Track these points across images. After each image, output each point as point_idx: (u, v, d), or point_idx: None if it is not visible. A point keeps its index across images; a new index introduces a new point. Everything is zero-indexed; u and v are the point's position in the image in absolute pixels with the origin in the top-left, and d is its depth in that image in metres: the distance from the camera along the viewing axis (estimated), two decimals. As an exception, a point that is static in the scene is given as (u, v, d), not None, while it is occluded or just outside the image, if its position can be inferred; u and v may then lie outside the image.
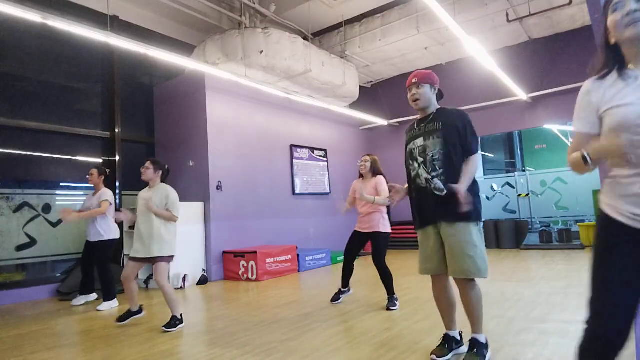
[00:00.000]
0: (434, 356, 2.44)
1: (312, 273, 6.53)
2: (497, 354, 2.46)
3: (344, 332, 3.17)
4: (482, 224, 2.37)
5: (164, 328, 3.43)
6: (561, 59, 7.52)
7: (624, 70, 1.30)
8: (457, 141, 2.37)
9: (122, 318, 3.74)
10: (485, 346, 2.36)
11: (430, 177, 2.37)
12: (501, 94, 7.94)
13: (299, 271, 6.69)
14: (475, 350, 2.33)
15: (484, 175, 10.90)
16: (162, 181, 3.77)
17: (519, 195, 9.60)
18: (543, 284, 4.41)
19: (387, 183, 3.71)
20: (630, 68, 1.30)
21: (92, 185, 4.84)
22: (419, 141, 2.46)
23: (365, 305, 3.99)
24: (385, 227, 3.95)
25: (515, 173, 10.34)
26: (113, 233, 4.72)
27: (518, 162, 13.79)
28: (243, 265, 6.14)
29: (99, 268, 4.66)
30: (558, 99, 7.47)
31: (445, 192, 2.29)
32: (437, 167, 2.35)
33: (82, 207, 4.82)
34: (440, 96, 2.57)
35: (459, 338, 2.56)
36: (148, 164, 3.74)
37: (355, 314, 3.70)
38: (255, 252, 6.03)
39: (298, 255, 6.75)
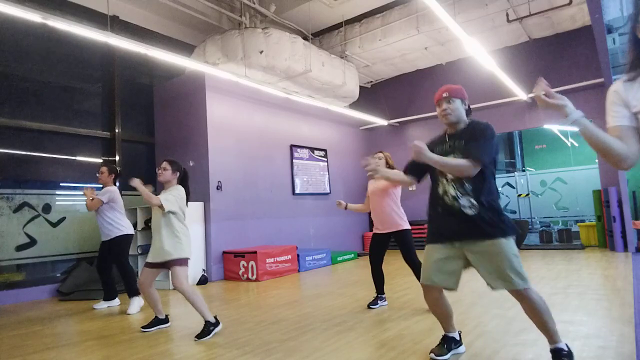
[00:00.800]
0: (432, 354, 2.44)
1: (312, 273, 6.53)
2: (497, 354, 2.46)
3: (344, 332, 3.17)
4: (513, 237, 2.26)
5: (196, 338, 3.14)
6: (561, 59, 7.52)
7: None
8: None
9: (147, 326, 3.52)
10: (569, 354, 2.16)
11: (460, 194, 2.28)
12: (501, 94, 7.94)
13: (299, 271, 6.69)
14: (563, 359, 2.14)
15: (484, 175, 10.90)
16: (179, 183, 3.50)
17: (519, 195, 9.61)
18: (543, 284, 4.41)
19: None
20: None
21: (101, 185, 4.62)
22: (450, 158, 2.35)
23: (365, 305, 3.99)
24: (405, 223, 3.88)
25: (515, 173, 10.35)
26: (127, 229, 4.57)
27: (518, 162, 13.79)
28: (243, 265, 6.14)
29: (117, 266, 4.49)
30: (558, 99, 7.46)
31: (476, 211, 2.21)
32: (466, 183, 2.27)
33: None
34: (469, 112, 2.49)
35: (458, 338, 2.55)
36: (165, 164, 3.44)
37: (355, 314, 3.70)
38: (255, 252, 6.03)
39: (298, 255, 6.75)
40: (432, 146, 2.46)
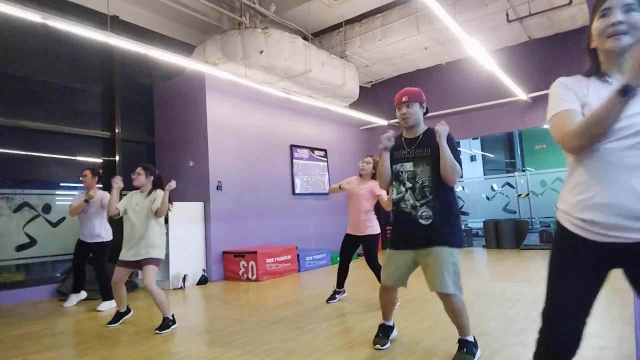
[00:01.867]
0: (377, 346, 2.66)
1: (312, 273, 6.53)
2: (497, 354, 2.46)
3: (344, 332, 3.17)
4: (460, 250, 2.44)
5: (156, 331, 3.43)
6: (561, 59, 7.52)
7: (600, 75, 1.29)
8: None
9: (112, 321, 3.77)
10: (474, 345, 2.41)
11: (418, 204, 2.41)
12: (501, 94, 7.94)
13: (299, 271, 6.69)
14: (464, 349, 2.37)
15: (484, 175, 10.90)
16: (154, 188, 3.74)
17: (519, 195, 9.61)
18: (543, 284, 4.39)
19: None
20: (605, 77, 1.28)
21: (86, 187, 4.68)
22: (409, 166, 2.47)
23: (365, 305, 4.00)
24: (374, 228, 4.01)
25: (515, 173, 10.35)
26: (110, 234, 4.78)
27: (518, 162, 13.80)
28: (243, 265, 6.14)
29: (98, 270, 4.66)
30: (558, 99, 7.45)
31: (431, 220, 2.36)
32: (427, 193, 2.39)
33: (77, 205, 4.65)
34: (425, 113, 2.57)
35: (391, 324, 2.80)
36: (139, 169, 3.70)
37: (355, 314, 3.70)
38: (255, 252, 6.03)
39: (298, 255, 6.75)
40: (392, 149, 2.58)
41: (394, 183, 2.54)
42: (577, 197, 1.27)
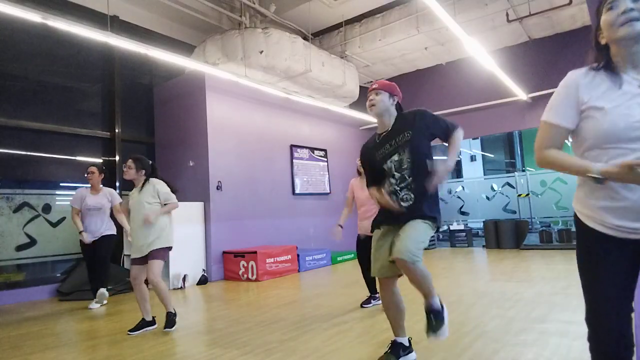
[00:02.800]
0: None
1: (312, 273, 6.53)
2: (497, 354, 2.46)
3: (344, 332, 3.17)
4: (436, 229, 2.38)
5: (165, 329, 3.37)
6: (561, 59, 7.52)
7: (612, 73, 1.27)
8: (428, 143, 2.41)
9: (135, 328, 3.48)
10: (441, 308, 2.31)
11: (398, 188, 2.39)
12: (501, 94, 7.94)
13: (299, 271, 6.69)
14: (432, 316, 2.28)
15: (484, 175, 10.90)
16: (147, 178, 3.60)
17: (519, 195, 9.60)
18: (543, 284, 4.41)
19: None
20: (619, 72, 1.26)
21: (90, 185, 4.73)
22: (395, 157, 2.42)
23: (365, 305, 3.99)
24: None
25: (515, 173, 10.34)
26: (112, 229, 4.83)
27: (518, 162, 13.80)
28: (243, 265, 6.14)
29: (100, 260, 4.61)
30: (558, 99, 7.46)
31: (411, 202, 2.33)
32: (406, 176, 2.36)
33: (86, 207, 4.61)
34: (399, 109, 2.53)
35: (407, 344, 2.47)
36: (130, 162, 3.55)
37: (355, 314, 3.70)
38: (255, 252, 6.03)
39: (298, 255, 6.74)
40: (371, 153, 2.54)
41: (385, 180, 2.46)
42: (602, 202, 1.26)
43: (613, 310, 1.25)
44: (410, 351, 2.47)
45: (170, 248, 3.54)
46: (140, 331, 3.47)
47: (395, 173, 2.41)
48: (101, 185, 4.78)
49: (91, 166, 4.75)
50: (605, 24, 1.26)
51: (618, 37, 1.23)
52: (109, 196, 4.76)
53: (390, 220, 2.43)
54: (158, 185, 3.54)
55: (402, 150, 2.39)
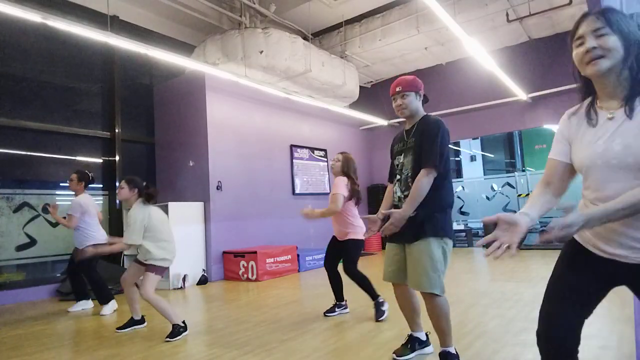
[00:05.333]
0: (394, 355, 2.47)
1: (312, 273, 6.53)
2: (497, 354, 2.46)
3: (344, 332, 3.17)
4: (450, 242, 2.26)
5: (166, 339, 3.19)
6: (561, 59, 7.51)
7: (593, 107, 1.31)
8: None
9: (123, 326, 3.56)
10: (456, 357, 2.27)
11: (402, 196, 2.31)
12: (501, 94, 7.94)
13: (299, 271, 6.69)
14: None
15: (484, 175, 10.90)
16: (140, 199, 3.45)
17: (519, 195, 9.60)
18: (543, 284, 4.38)
19: (353, 190, 3.56)
20: (598, 105, 1.30)
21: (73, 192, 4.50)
22: (401, 157, 2.39)
23: (365, 305, 3.99)
24: (356, 234, 3.60)
25: (515, 173, 10.34)
26: (97, 238, 4.39)
27: (518, 162, 13.79)
28: (243, 265, 6.14)
29: (85, 275, 4.41)
30: (558, 99, 7.46)
31: (415, 213, 2.21)
32: (410, 184, 2.27)
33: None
34: (425, 101, 2.45)
35: (424, 339, 2.54)
36: (122, 183, 3.47)
37: (355, 314, 3.70)
38: (255, 252, 6.03)
39: (298, 255, 6.74)
40: (394, 144, 2.53)
41: (394, 178, 2.47)
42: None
43: (568, 310, 1.33)
44: (427, 345, 2.55)
45: (163, 268, 3.39)
46: (128, 329, 3.54)
47: (397, 175, 2.39)
48: (83, 193, 4.46)
49: (73, 173, 4.47)
50: (575, 60, 1.29)
51: (587, 74, 1.27)
52: (79, 209, 4.34)
53: (394, 237, 2.36)
54: (131, 216, 3.34)
55: (407, 154, 2.35)
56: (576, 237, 1.36)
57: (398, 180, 2.38)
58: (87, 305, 4.62)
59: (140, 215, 3.33)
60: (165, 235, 3.42)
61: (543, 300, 1.41)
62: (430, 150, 2.21)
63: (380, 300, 3.50)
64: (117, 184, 6.48)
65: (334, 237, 3.78)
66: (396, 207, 2.35)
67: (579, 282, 1.32)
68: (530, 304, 3.59)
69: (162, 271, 3.39)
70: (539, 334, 1.38)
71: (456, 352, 2.29)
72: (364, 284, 3.55)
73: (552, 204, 1.39)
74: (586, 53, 1.22)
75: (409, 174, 2.31)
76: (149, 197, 3.48)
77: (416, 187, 2.20)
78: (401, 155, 2.40)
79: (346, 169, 3.67)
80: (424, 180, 2.19)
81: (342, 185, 3.55)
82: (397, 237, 2.34)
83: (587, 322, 1.34)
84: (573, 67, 1.33)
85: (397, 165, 2.42)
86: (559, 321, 1.33)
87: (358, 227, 3.63)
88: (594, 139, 1.25)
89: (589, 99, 1.34)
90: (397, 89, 2.36)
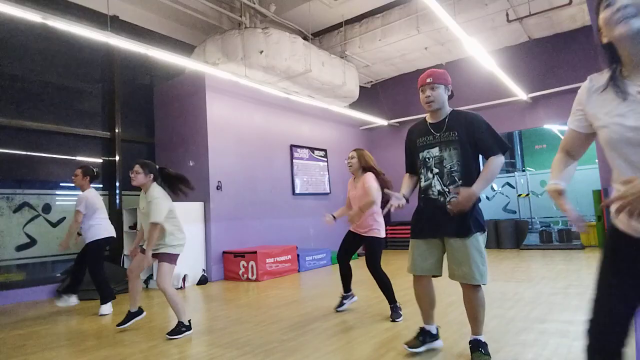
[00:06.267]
0: (406, 346, 2.52)
1: (312, 273, 6.53)
2: (497, 354, 2.46)
3: (344, 332, 3.17)
4: (486, 232, 2.34)
5: (167, 335, 3.20)
6: (561, 59, 7.52)
7: (617, 77, 1.23)
8: (474, 150, 2.33)
9: (122, 322, 3.52)
10: (485, 345, 2.38)
11: (447, 189, 2.32)
12: (501, 94, 7.94)
13: (299, 271, 6.69)
14: (481, 349, 2.34)
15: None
16: (157, 182, 3.40)
17: (519, 195, 9.61)
18: (543, 284, 4.41)
19: (382, 180, 3.56)
20: (624, 74, 1.22)
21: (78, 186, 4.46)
22: (435, 151, 2.37)
23: (365, 305, 3.99)
24: (380, 231, 3.61)
25: (515, 173, 10.34)
26: (103, 232, 4.36)
27: (518, 162, 13.78)
28: (243, 265, 6.14)
29: (89, 271, 4.36)
30: (558, 99, 7.47)
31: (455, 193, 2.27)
32: (456, 178, 2.30)
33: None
34: (451, 96, 2.45)
35: (434, 332, 2.59)
36: (137, 167, 3.33)
37: (355, 314, 3.70)
38: (255, 252, 6.03)
39: (298, 255, 6.74)
40: (415, 137, 2.50)
41: (421, 170, 2.44)
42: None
43: (617, 307, 1.27)
44: (437, 339, 2.59)
45: (176, 255, 3.34)
46: (129, 323, 3.52)
47: (434, 168, 2.38)
48: (89, 188, 4.42)
49: (77, 168, 4.46)
50: (602, 22, 1.22)
51: (615, 35, 1.19)
52: (83, 203, 4.31)
53: (435, 232, 2.36)
54: (153, 194, 3.26)
55: (445, 148, 2.34)
56: (620, 225, 1.26)
57: (437, 175, 2.36)
58: (71, 301, 4.45)
59: (162, 194, 3.31)
60: (178, 220, 3.42)
61: (594, 312, 1.37)
62: (494, 138, 2.30)
63: (398, 305, 3.49)
64: (117, 184, 6.51)
65: (350, 232, 3.82)
66: (435, 201, 2.36)
67: (631, 279, 1.27)
68: (530, 304, 3.59)
69: (175, 259, 3.32)
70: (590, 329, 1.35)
71: (485, 340, 2.39)
72: (386, 286, 3.51)
73: (574, 167, 1.44)
74: (617, 11, 1.15)
75: (455, 168, 2.32)
76: (168, 179, 3.42)
77: (492, 171, 2.25)
78: (434, 148, 2.38)
79: (364, 163, 3.67)
80: (499, 164, 2.28)
81: (371, 179, 3.57)
82: (431, 232, 2.38)
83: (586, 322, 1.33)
84: (597, 35, 1.27)
85: (429, 159, 2.40)
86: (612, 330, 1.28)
87: (381, 225, 3.64)
88: (625, 111, 1.17)
89: (612, 68, 1.25)
90: (428, 80, 2.35)
